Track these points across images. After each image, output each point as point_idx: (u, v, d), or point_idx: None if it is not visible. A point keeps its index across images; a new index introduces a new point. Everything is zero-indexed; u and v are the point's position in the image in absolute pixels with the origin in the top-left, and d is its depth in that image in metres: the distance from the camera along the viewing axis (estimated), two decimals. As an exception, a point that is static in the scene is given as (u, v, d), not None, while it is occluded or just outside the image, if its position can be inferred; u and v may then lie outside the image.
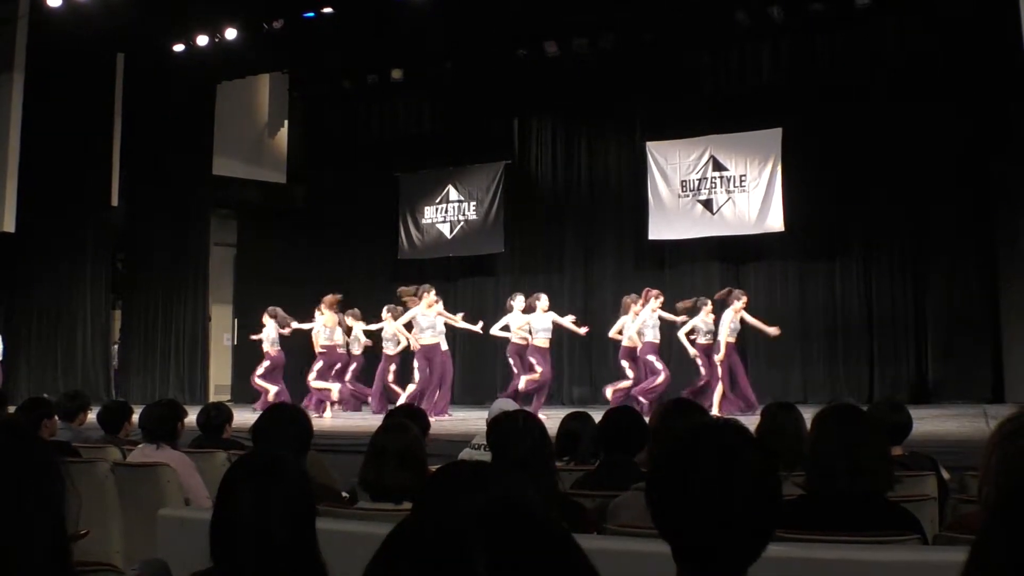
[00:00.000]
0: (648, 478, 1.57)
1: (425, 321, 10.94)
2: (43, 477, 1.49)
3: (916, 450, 4.54)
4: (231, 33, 13.12)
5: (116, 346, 14.90)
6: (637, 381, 10.66)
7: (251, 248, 15.61)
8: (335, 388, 11.67)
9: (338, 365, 11.94)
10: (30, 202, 12.95)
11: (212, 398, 13.37)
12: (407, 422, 3.43)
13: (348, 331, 12.22)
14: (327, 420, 10.95)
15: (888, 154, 11.81)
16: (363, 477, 3.14)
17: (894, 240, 11.99)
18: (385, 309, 11.70)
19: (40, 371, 13.46)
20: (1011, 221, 10.88)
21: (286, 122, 15.75)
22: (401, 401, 10.44)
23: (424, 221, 14.66)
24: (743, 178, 12.36)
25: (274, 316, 12.14)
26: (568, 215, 13.95)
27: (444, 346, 11.25)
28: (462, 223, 14.36)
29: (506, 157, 14.22)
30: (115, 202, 14.18)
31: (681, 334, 10.80)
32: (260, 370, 12.11)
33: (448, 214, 14.48)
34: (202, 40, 13.33)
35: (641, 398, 10.37)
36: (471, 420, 10.16)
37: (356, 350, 12.31)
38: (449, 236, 14.46)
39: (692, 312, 10.83)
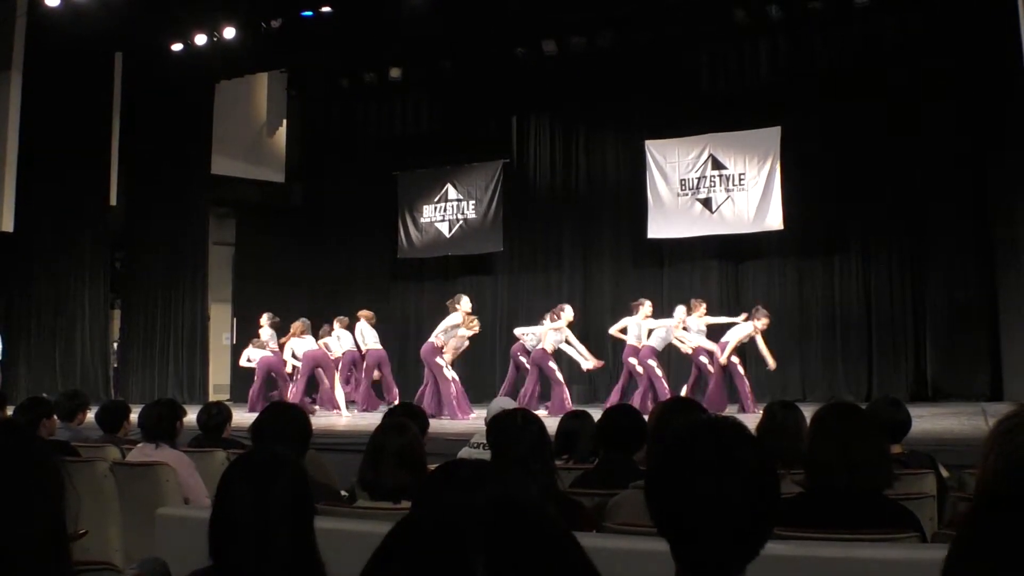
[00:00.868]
0: (647, 476, 1.57)
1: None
2: (42, 477, 1.49)
3: (915, 448, 4.55)
4: (229, 32, 13.10)
5: (115, 345, 14.88)
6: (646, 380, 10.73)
7: (250, 247, 15.60)
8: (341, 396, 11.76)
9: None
10: (29, 201, 12.94)
11: (211, 397, 13.37)
12: (406, 421, 3.43)
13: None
14: (324, 419, 10.95)
15: (887, 152, 11.82)
16: (362, 476, 3.14)
17: (893, 238, 11.99)
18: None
19: (39, 370, 13.43)
20: (1009, 219, 10.88)
21: (285, 121, 15.76)
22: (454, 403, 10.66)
23: (423, 220, 14.65)
24: (742, 176, 12.36)
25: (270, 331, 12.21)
26: (567, 214, 13.94)
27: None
28: (461, 222, 14.36)
29: (505, 156, 14.21)
30: (114, 201, 14.17)
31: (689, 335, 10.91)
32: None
33: (447, 213, 14.48)
34: (200, 39, 13.32)
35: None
36: (471, 419, 10.18)
37: (339, 351, 12.28)
38: (448, 235, 14.46)
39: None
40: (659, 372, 10.69)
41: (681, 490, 1.46)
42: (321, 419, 10.63)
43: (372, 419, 8.75)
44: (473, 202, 14.26)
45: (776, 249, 12.54)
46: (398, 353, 13.46)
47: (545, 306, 11.89)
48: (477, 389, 13.17)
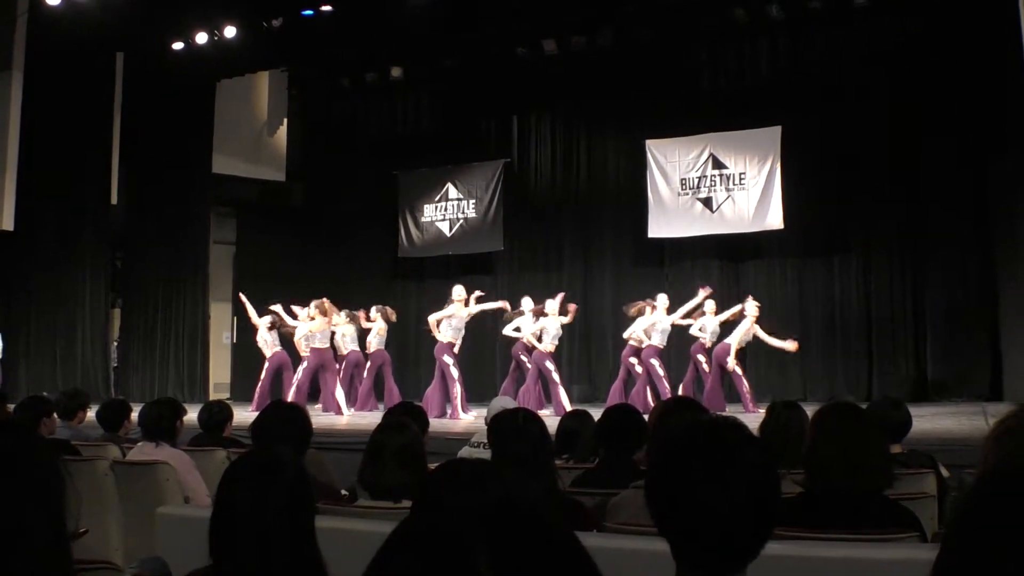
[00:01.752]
0: (647, 476, 1.57)
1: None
2: (42, 476, 1.49)
3: (915, 448, 4.55)
4: (230, 31, 13.10)
5: (115, 344, 14.89)
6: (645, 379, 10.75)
7: (250, 246, 15.60)
8: (341, 395, 11.71)
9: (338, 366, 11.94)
10: (29, 200, 12.95)
11: (211, 396, 13.36)
12: (406, 420, 3.42)
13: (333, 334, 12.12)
14: (324, 419, 10.94)
15: (887, 152, 11.82)
16: (362, 475, 3.14)
17: (893, 238, 11.99)
18: (374, 309, 11.80)
19: (39, 369, 13.44)
20: (1009, 219, 10.87)
21: (285, 120, 15.76)
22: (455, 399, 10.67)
23: (423, 219, 14.66)
24: (742, 176, 12.36)
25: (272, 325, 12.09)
26: (567, 213, 13.95)
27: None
28: (461, 221, 14.37)
29: (505, 155, 14.23)
30: (114, 200, 14.17)
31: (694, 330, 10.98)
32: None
33: (447, 212, 14.49)
34: (201, 38, 13.32)
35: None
36: (470, 418, 10.18)
37: (344, 350, 12.17)
38: (448, 234, 14.47)
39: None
40: (661, 372, 10.69)
41: (682, 490, 1.45)
42: (321, 419, 10.63)
43: (372, 419, 8.75)
44: (473, 201, 14.27)
45: (776, 249, 12.55)
46: (398, 352, 13.45)
47: (545, 306, 11.88)
48: (477, 389, 13.17)
